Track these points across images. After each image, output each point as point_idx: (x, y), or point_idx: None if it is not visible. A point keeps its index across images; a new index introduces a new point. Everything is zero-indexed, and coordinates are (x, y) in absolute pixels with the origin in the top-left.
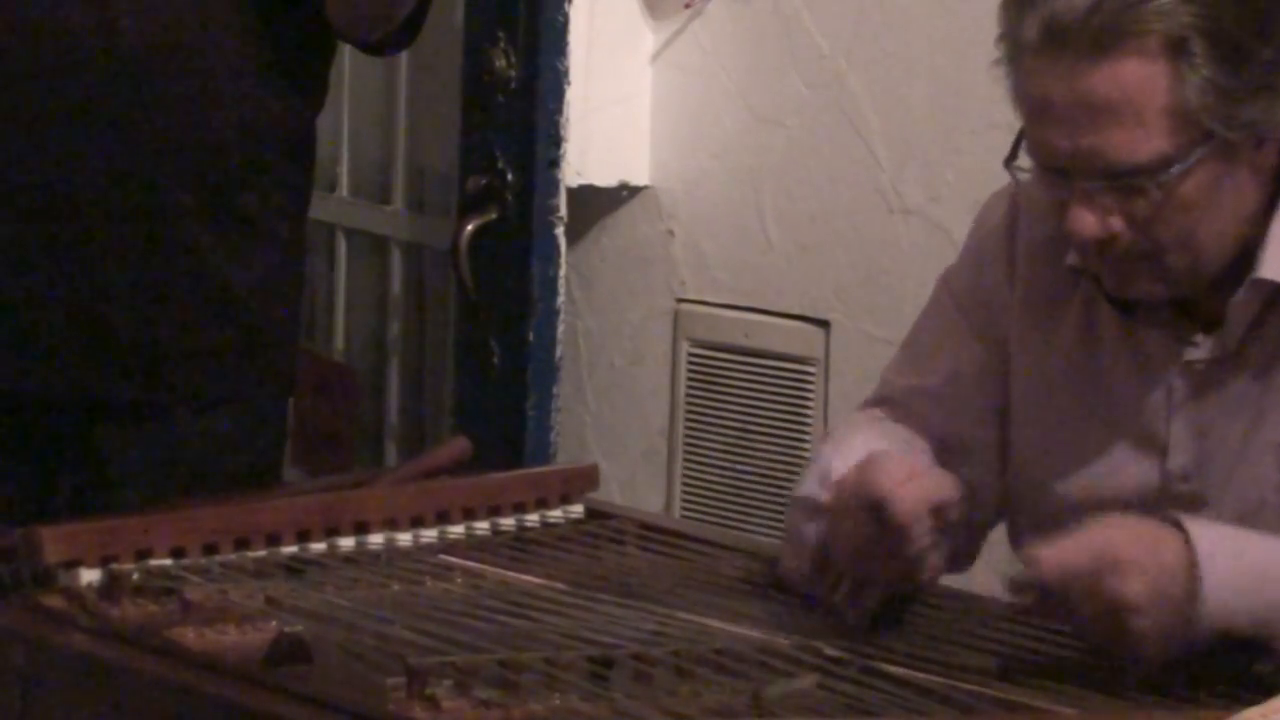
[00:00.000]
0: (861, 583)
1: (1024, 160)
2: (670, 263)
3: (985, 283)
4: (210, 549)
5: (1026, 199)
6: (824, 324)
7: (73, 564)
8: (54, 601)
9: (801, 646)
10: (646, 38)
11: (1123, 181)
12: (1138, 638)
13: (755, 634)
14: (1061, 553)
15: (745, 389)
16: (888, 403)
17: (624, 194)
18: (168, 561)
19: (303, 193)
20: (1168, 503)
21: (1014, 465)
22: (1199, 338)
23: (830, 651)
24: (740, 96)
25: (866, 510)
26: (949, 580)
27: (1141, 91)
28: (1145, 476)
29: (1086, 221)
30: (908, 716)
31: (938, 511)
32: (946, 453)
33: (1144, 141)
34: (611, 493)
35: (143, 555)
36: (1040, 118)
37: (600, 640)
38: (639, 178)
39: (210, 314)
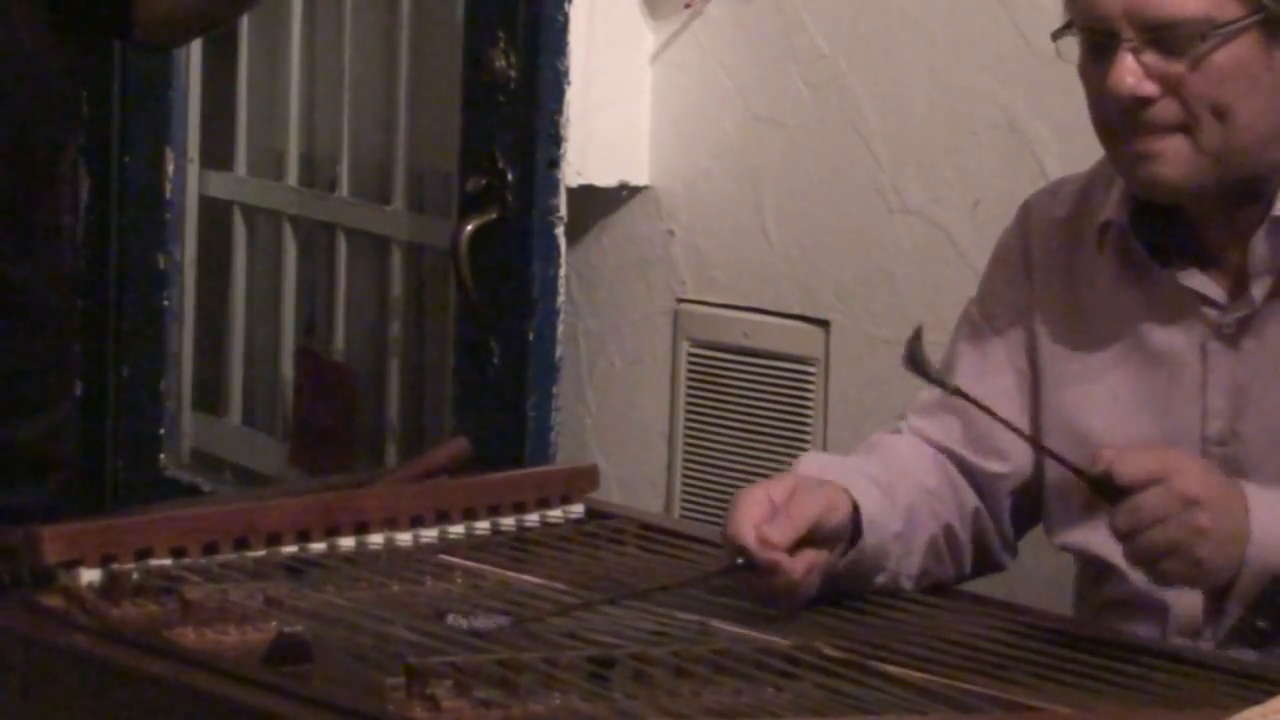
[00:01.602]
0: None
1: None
2: (670, 263)
3: (1002, 284)
4: (210, 549)
5: (1040, 197)
6: (824, 324)
7: (73, 564)
8: (54, 601)
9: (801, 646)
10: (646, 38)
11: (1164, 34)
12: (1203, 532)
13: (755, 634)
14: (1128, 453)
15: (745, 389)
16: (919, 412)
17: (624, 194)
18: (168, 561)
19: (74, 194)
20: None
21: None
22: (1219, 293)
23: (830, 651)
24: (740, 96)
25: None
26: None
27: None
28: (1183, 443)
29: (1125, 77)
30: (908, 716)
31: (807, 540)
32: (979, 453)
33: None
34: (611, 493)
35: (143, 555)
36: None
37: (600, 640)
38: (639, 178)
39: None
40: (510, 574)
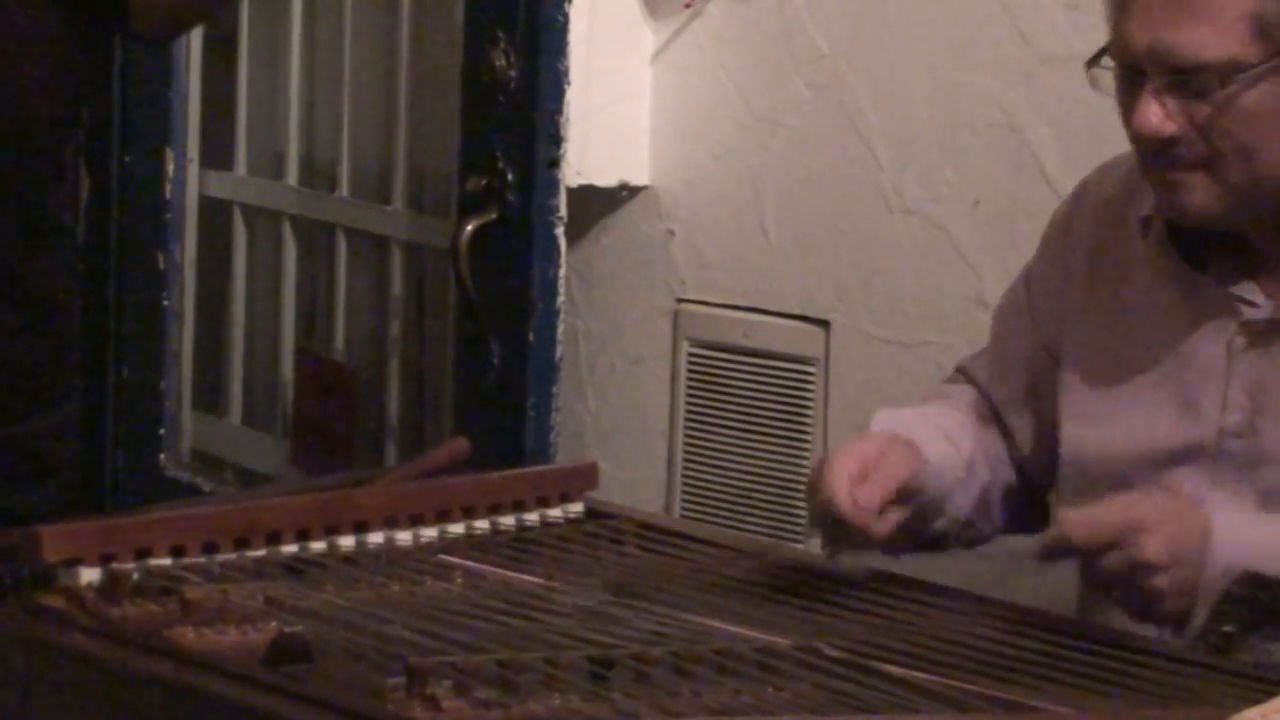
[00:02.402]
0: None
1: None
2: (670, 263)
3: (1046, 264)
4: (210, 549)
5: (1097, 174)
6: (824, 324)
7: (73, 563)
8: (54, 601)
9: (801, 646)
10: (646, 38)
11: (1189, 78)
12: (1158, 595)
13: (755, 634)
14: (1091, 515)
15: (745, 389)
16: (975, 365)
17: (624, 194)
18: (168, 561)
19: (74, 193)
20: (1222, 459)
21: (1065, 428)
22: (1259, 297)
23: (830, 651)
24: (740, 96)
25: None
26: (949, 581)
27: None
28: (1200, 433)
29: (1149, 118)
30: (908, 716)
31: (894, 500)
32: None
33: (1215, 41)
34: (611, 493)
35: (143, 555)
36: (1123, 11)
37: (600, 640)
38: (639, 178)
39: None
40: (510, 574)
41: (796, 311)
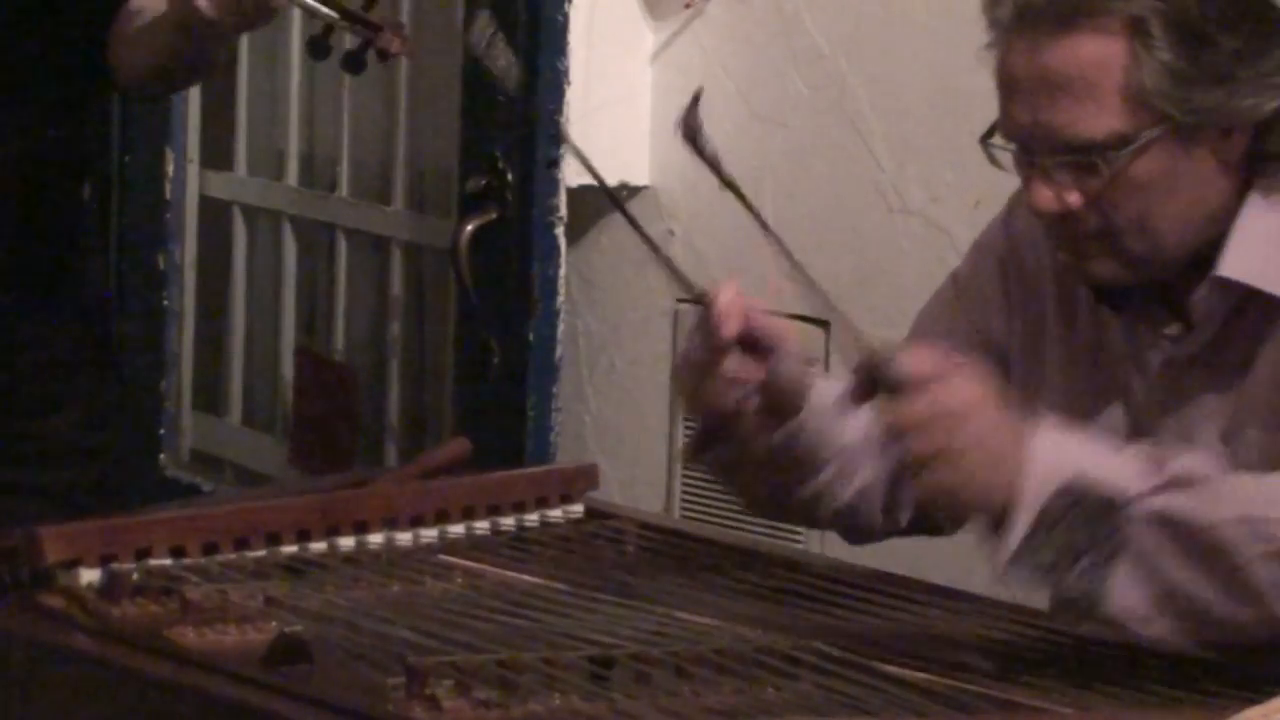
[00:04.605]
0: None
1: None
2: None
3: (980, 273)
4: (210, 549)
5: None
6: (824, 324)
7: (73, 564)
8: (54, 601)
9: (801, 646)
10: (646, 38)
11: (1076, 157)
12: (958, 449)
13: (755, 634)
14: (913, 353)
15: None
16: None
17: (624, 194)
18: (168, 561)
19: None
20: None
21: None
22: (1174, 333)
23: (830, 651)
24: (740, 96)
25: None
26: (949, 582)
27: (1098, 68)
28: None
29: (1044, 196)
30: (908, 716)
31: (757, 343)
32: None
33: (1098, 118)
34: (611, 493)
35: (143, 555)
36: (1007, 92)
37: (600, 640)
38: (639, 178)
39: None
40: (510, 574)
41: (796, 311)
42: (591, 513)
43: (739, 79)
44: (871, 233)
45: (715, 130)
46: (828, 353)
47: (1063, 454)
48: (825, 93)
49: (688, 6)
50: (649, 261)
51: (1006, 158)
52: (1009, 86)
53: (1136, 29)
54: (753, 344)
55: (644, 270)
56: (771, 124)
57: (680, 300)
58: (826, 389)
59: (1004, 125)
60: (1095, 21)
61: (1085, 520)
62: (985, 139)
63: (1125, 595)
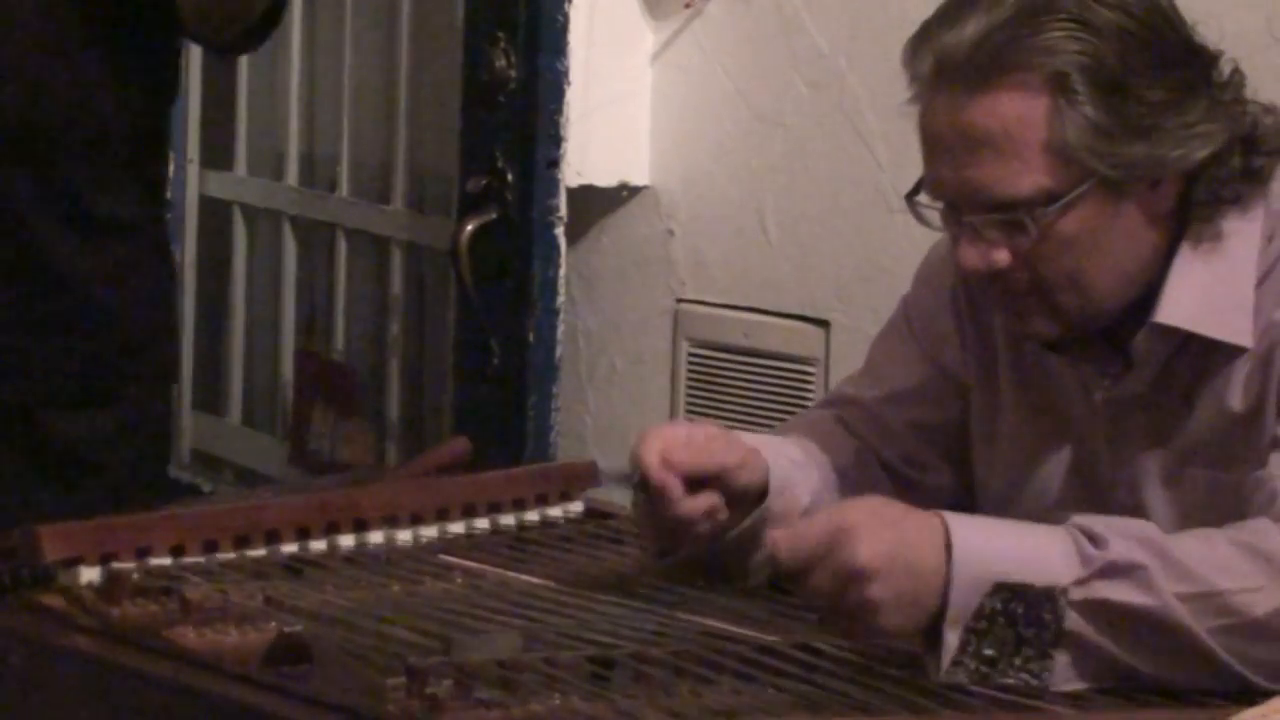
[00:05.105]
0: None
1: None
2: (670, 263)
3: (932, 304)
4: (210, 549)
5: None
6: (824, 324)
7: (73, 563)
8: (54, 601)
9: (801, 646)
10: (646, 38)
11: (1002, 215)
12: (873, 607)
13: (755, 634)
14: (796, 532)
15: (745, 389)
16: (832, 404)
17: (624, 194)
18: (168, 561)
19: (157, 188)
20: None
21: (978, 484)
22: (1117, 372)
23: (830, 651)
24: (740, 96)
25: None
26: None
27: (1020, 125)
28: (1092, 507)
29: (971, 256)
30: (908, 716)
31: (708, 481)
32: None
33: (1022, 175)
34: (612, 492)
35: (143, 555)
36: (931, 150)
37: (600, 640)
38: (639, 178)
39: (69, 317)
40: (510, 574)
41: (796, 311)
42: (591, 512)
43: (739, 79)
44: (871, 233)
45: (715, 130)
46: (828, 353)
47: (988, 551)
48: (825, 93)
49: (688, 6)
50: (649, 261)
51: (935, 215)
52: (932, 144)
53: (1058, 84)
54: (698, 482)
55: (644, 270)
56: (771, 124)
57: (680, 300)
58: (779, 452)
59: (929, 183)
60: (1016, 77)
61: (1023, 613)
62: (911, 196)
63: (1069, 680)
